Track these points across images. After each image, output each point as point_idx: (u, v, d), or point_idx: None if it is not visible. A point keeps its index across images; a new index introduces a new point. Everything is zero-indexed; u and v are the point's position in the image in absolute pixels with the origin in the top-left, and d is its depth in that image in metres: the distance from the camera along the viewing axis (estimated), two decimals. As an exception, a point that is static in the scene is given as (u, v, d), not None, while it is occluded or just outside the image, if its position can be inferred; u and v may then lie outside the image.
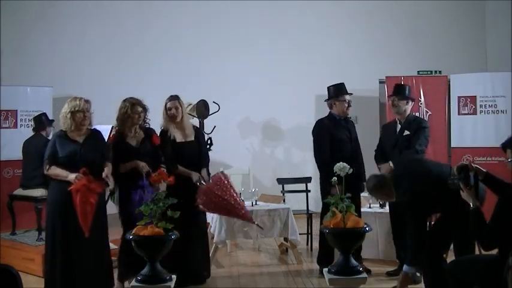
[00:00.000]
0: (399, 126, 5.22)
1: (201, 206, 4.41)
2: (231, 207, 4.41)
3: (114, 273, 4.61)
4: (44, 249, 4.41)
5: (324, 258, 5.05)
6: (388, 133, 5.36)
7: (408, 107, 5.24)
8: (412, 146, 5.03)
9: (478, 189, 3.43)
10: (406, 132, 5.13)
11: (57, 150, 4.25)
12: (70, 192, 4.12)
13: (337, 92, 5.23)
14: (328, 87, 5.32)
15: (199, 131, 5.27)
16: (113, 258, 4.98)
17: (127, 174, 4.54)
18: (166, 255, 3.95)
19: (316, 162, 5.18)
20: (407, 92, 5.29)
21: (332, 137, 5.11)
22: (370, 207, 5.81)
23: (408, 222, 4.09)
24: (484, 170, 3.53)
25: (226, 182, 4.45)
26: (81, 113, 4.28)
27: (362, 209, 5.58)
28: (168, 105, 4.91)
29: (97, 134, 4.47)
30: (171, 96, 4.97)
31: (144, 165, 4.54)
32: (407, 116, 5.23)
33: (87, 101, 4.36)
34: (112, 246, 4.99)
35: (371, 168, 5.62)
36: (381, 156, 5.27)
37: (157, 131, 4.95)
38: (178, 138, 4.92)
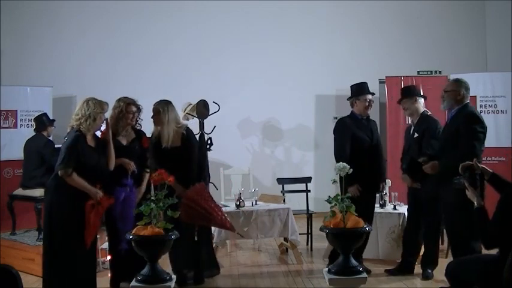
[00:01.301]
0: (413, 127, 5.12)
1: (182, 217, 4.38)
2: (212, 216, 4.48)
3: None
4: (43, 249, 4.38)
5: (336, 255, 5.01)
6: (406, 136, 5.27)
7: (418, 106, 5.09)
8: (423, 151, 4.85)
9: (483, 189, 3.45)
10: (416, 135, 5.01)
11: (79, 156, 4.14)
12: (80, 200, 4.13)
13: (359, 91, 5.16)
14: (351, 86, 5.28)
15: (189, 139, 4.89)
16: (109, 257, 5.00)
17: (111, 172, 4.49)
18: (173, 255, 3.95)
19: (336, 161, 4.92)
20: (413, 91, 5.16)
21: (353, 136, 5.03)
22: (370, 207, 5.79)
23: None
24: (490, 170, 3.53)
25: (206, 193, 4.57)
26: (103, 116, 4.33)
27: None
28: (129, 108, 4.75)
29: (98, 138, 4.45)
30: (158, 100, 4.89)
31: (132, 164, 4.54)
32: (420, 116, 5.08)
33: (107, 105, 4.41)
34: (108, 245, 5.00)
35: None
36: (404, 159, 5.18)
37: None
38: (163, 143, 4.81)
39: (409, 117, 5.18)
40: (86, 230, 4.12)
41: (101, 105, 4.29)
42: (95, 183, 4.20)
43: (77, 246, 4.15)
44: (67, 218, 4.15)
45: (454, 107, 4.49)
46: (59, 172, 4.10)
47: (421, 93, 5.43)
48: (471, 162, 3.51)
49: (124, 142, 4.65)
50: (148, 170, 4.68)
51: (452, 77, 7.54)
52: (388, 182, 6.26)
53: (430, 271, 5.01)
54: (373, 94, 5.20)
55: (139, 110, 4.70)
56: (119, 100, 4.66)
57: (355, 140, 5.03)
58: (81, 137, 4.19)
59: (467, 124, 4.32)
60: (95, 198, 4.15)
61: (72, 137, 4.17)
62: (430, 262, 5.04)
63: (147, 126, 4.89)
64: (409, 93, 5.17)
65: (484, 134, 4.36)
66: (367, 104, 5.11)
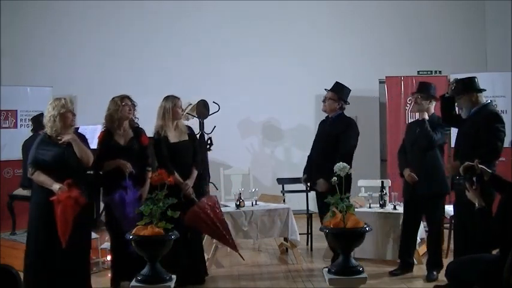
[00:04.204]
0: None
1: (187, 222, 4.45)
2: (220, 234, 4.65)
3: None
4: (25, 249, 4.32)
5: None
6: (410, 131, 5.20)
7: (431, 106, 5.08)
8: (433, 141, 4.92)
9: (486, 190, 3.44)
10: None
11: (41, 155, 4.20)
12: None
13: None
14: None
15: (193, 133, 5.10)
16: (109, 257, 4.98)
17: (110, 174, 4.51)
18: (166, 255, 3.95)
19: None
20: (432, 90, 5.10)
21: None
22: (370, 207, 5.80)
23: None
24: (489, 171, 3.52)
25: (218, 210, 4.64)
26: (69, 113, 4.27)
27: (362, 209, 5.58)
28: (178, 103, 4.85)
29: (81, 136, 4.40)
30: (174, 96, 4.91)
31: (128, 165, 4.49)
32: (432, 115, 5.05)
33: (71, 100, 4.33)
34: (108, 245, 4.99)
35: (371, 167, 5.63)
36: (403, 155, 5.17)
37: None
38: (172, 138, 4.82)
39: (419, 114, 5.10)
40: (58, 228, 4.08)
41: (54, 102, 4.26)
42: (64, 180, 4.13)
43: (52, 244, 4.12)
44: (46, 220, 4.13)
45: (474, 108, 4.44)
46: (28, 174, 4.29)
47: (436, 96, 5.29)
48: (472, 163, 3.50)
49: (121, 142, 4.63)
50: (149, 169, 4.60)
51: (453, 77, 7.55)
52: (388, 182, 6.26)
53: (435, 273, 4.97)
54: (326, 90, 5.41)
55: (133, 105, 4.67)
56: (113, 98, 4.66)
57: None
58: (43, 138, 4.27)
59: (490, 123, 4.28)
60: (54, 191, 4.11)
61: (35, 139, 4.36)
62: (436, 264, 5.02)
63: (147, 127, 4.87)
64: (425, 91, 5.08)
65: (505, 133, 4.33)
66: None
